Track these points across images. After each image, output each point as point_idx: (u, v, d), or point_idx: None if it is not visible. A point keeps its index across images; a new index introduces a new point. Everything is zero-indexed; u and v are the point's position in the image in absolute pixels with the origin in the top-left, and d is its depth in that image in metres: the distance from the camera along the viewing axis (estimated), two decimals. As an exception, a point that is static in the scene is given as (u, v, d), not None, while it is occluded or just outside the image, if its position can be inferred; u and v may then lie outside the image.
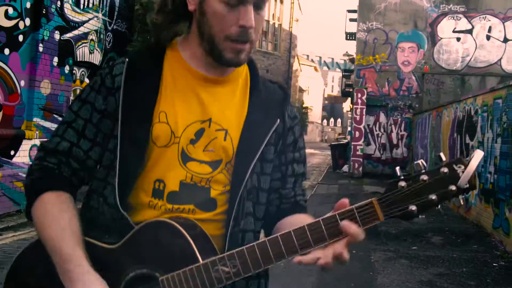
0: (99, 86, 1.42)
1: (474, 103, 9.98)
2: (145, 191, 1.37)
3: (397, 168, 1.26)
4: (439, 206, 1.21)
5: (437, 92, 18.69)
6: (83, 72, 10.68)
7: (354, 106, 18.99)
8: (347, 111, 61.30)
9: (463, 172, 1.18)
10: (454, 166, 1.20)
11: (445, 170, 1.19)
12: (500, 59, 18.55)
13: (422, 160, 1.23)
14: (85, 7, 10.24)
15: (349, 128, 25.82)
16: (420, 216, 1.22)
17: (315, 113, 68.86)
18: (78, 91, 10.57)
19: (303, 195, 1.58)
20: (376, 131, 19.36)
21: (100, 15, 10.84)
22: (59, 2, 9.25)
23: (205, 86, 1.42)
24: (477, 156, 1.19)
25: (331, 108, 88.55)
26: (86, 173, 1.43)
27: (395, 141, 19.29)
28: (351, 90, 24.38)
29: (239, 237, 1.40)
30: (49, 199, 1.34)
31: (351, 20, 25.56)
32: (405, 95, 19.17)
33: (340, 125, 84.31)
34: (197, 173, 1.38)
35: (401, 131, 19.24)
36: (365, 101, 18.73)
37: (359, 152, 18.68)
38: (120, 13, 11.69)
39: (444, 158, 1.21)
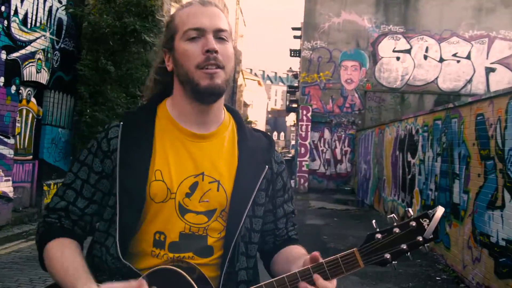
0: (96, 150, 1.56)
1: (415, 123, 10.51)
2: (147, 242, 1.51)
3: (373, 221, 1.46)
4: (408, 254, 1.43)
5: (379, 109, 19.44)
6: (29, 92, 10.48)
7: (300, 123, 19.44)
8: (290, 125, 62.23)
9: (428, 225, 1.41)
10: (421, 220, 1.42)
11: (413, 223, 1.41)
12: (436, 78, 19.56)
13: (393, 215, 1.45)
14: (33, 26, 10.08)
15: (292, 142, 26.30)
16: (393, 262, 1.43)
17: (259, 127, 69.41)
18: (25, 111, 10.36)
19: (294, 229, 1.73)
20: (321, 147, 19.87)
21: (47, 34, 10.68)
22: (5, 22, 9.08)
23: (194, 142, 1.55)
24: (439, 212, 1.41)
25: (275, 122, 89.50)
26: (87, 225, 1.57)
27: (339, 157, 19.86)
28: (295, 106, 24.92)
29: (233, 277, 1.55)
30: (51, 247, 1.49)
31: (295, 37, 26.19)
32: (349, 112, 19.82)
33: (283, 139, 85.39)
34: (194, 224, 1.52)
35: (345, 146, 19.85)
36: (310, 117, 19.22)
37: (304, 168, 19.12)
38: (67, 32, 11.56)
39: (412, 213, 1.43)
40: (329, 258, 1.40)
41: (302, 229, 10.99)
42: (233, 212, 1.53)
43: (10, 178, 9.46)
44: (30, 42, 9.99)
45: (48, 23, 10.71)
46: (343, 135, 19.83)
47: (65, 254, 1.45)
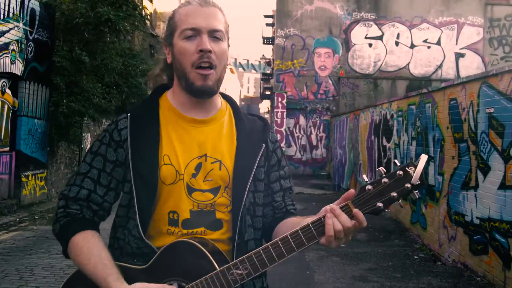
0: (109, 140, 1.69)
1: (389, 108, 10.76)
2: (162, 221, 1.65)
3: (364, 175, 1.60)
4: (399, 201, 1.55)
5: (353, 95, 19.73)
6: (4, 83, 10.36)
7: (275, 110, 19.61)
8: (264, 112, 62.38)
9: (413, 172, 1.50)
10: (407, 168, 1.51)
11: (400, 172, 1.51)
12: (408, 64, 19.93)
13: (382, 167, 1.57)
14: (5, 17, 9.94)
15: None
16: (386, 210, 1.54)
17: (233, 115, 69.33)
18: (0, 103, 10.25)
19: (293, 204, 1.84)
20: (296, 133, 20.09)
21: (20, 24, 10.54)
22: (-21, 12, 8.95)
23: (196, 127, 1.70)
24: (423, 159, 1.51)
25: (248, 109, 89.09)
26: (105, 213, 1.71)
27: (314, 143, 20.12)
28: (269, 93, 25.06)
29: (244, 247, 1.69)
30: (78, 241, 1.60)
31: (268, 24, 26.24)
32: (323, 98, 20.07)
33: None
34: (201, 201, 1.66)
35: (320, 132, 20.11)
36: (285, 104, 19.40)
37: (281, 154, 19.31)
38: (41, 22, 11.41)
39: (398, 163, 1.56)
40: (324, 213, 1.52)
41: (281, 214, 11.21)
42: (236, 187, 1.67)
43: (-12, 170, 9.39)
44: (3, 33, 9.86)
45: (21, 14, 10.57)
46: (318, 121, 20.08)
47: (92, 249, 1.57)
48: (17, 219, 9.49)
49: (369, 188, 1.51)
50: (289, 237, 1.51)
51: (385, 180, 1.51)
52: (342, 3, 20.03)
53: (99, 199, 1.66)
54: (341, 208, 1.51)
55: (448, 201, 7.08)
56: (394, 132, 10.24)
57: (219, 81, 1.67)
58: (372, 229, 9.22)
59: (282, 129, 19.38)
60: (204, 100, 1.70)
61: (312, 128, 20.14)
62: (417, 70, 19.91)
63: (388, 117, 10.83)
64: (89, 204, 1.66)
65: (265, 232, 1.79)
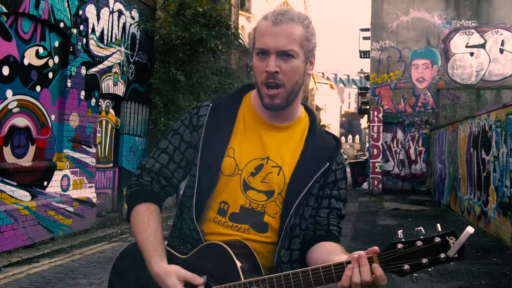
0: (188, 122, 1.83)
1: (488, 119, 10.20)
2: (213, 209, 1.76)
3: (399, 232, 1.49)
4: (430, 269, 1.42)
5: (453, 107, 18.86)
6: (108, 104, 11.17)
7: (371, 124, 19.24)
8: (365, 127, 61.31)
9: (453, 243, 1.38)
10: (447, 237, 1.39)
11: (438, 239, 1.40)
12: (514, 72, 18.72)
13: (421, 227, 1.44)
14: (109, 42, 10.75)
15: (367, 145, 26.07)
16: (414, 274, 1.43)
17: (333, 130, 68.85)
18: (104, 122, 11.05)
19: (338, 226, 1.82)
20: (394, 147, 19.55)
21: (122, 48, 11.34)
22: (84, 40, 9.77)
23: (268, 130, 1.79)
24: (467, 232, 1.37)
25: (349, 125, 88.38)
26: (171, 189, 1.86)
27: (413, 157, 19.45)
28: (367, 107, 24.63)
29: (287, 255, 1.75)
30: (140, 210, 1.76)
31: (365, 38, 25.90)
32: (421, 111, 19.39)
33: (358, 141, 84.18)
34: (254, 200, 1.74)
35: (419, 146, 19.41)
36: (382, 118, 18.98)
37: (378, 169, 18.87)
38: (141, 46, 12.21)
39: (439, 229, 1.43)
40: (348, 259, 1.47)
41: (373, 229, 10.96)
42: (289, 196, 1.73)
43: (93, 184, 10.14)
44: (107, 57, 10.67)
45: (123, 39, 11.37)
46: (417, 135, 19.41)
47: (150, 221, 1.73)
48: (119, 231, 10.12)
49: (400, 246, 1.43)
50: (309, 271, 1.50)
51: (419, 243, 1.41)
52: (440, 11, 19.32)
53: (169, 174, 1.82)
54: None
55: (549, 216, 6.57)
56: (493, 144, 9.68)
57: (290, 95, 1.72)
58: (469, 246, 8.73)
59: (379, 144, 18.96)
60: (278, 111, 1.77)
61: (410, 142, 19.49)
62: (525, 78, 18.67)
63: (487, 128, 10.26)
64: (159, 178, 1.82)
65: (302, 247, 1.80)
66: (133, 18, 11.84)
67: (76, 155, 9.54)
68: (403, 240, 1.44)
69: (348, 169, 25.90)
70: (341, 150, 1.91)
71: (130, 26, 11.70)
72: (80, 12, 9.62)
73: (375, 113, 19.06)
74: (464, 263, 7.53)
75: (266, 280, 1.55)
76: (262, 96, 1.72)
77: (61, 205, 8.97)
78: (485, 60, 18.94)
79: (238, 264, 1.61)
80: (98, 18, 10.31)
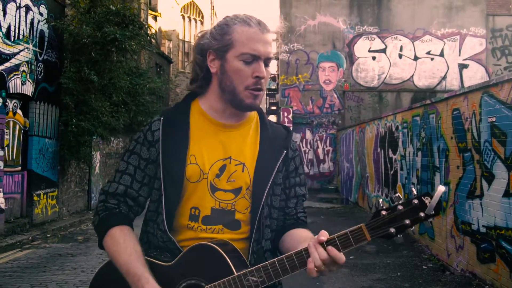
0: (143, 140, 1.85)
1: (394, 120, 10.87)
2: (184, 216, 1.78)
3: (380, 200, 1.70)
4: (412, 228, 1.62)
5: (358, 108, 19.85)
6: (15, 104, 10.57)
7: (281, 125, 19.74)
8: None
9: (429, 202, 1.56)
10: (423, 198, 1.57)
11: (416, 201, 1.56)
12: (412, 76, 20.08)
13: (399, 194, 1.65)
14: (16, 39, 10.18)
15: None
16: (398, 236, 1.59)
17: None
18: (12, 123, 10.44)
19: (304, 212, 1.95)
20: (303, 147, 20.20)
21: (30, 46, 10.78)
22: (-10, 35, 9.18)
23: (223, 131, 1.83)
24: (439, 190, 1.57)
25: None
26: (139, 208, 1.87)
27: (321, 157, 20.22)
28: (275, 108, 25.22)
29: (260, 246, 1.81)
30: (115, 233, 1.75)
31: (272, 40, 26.42)
32: (329, 112, 20.20)
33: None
34: (223, 200, 1.79)
35: (326, 146, 20.21)
36: (292, 119, 19.54)
37: (288, 169, 19.41)
38: (49, 43, 11.66)
39: (415, 192, 1.62)
40: (340, 233, 1.60)
41: (289, 227, 11.27)
42: (256, 189, 1.80)
43: (0, 189, 9.55)
44: (14, 54, 10.09)
45: (31, 36, 10.81)
46: (325, 135, 20.20)
47: (128, 241, 1.73)
48: (30, 238, 9.62)
49: (384, 213, 1.57)
50: (303, 252, 1.60)
51: (400, 207, 1.56)
52: (345, 17, 20.26)
53: (135, 194, 1.82)
54: (354, 231, 1.58)
55: (455, 210, 7.16)
56: (400, 143, 10.34)
57: (261, 98, 1.83)
58: (381, 241, 9.24)
59: (289, 144, 19.51)
60: (237, 111, 1.84)
61: (318, 142, 20.25)
62: (421, 82, 20.05)
63: (393, 129, 10.93)
64: (126, 199, 1.82)
65: (274, 235, 1.89)
66: (41, 14, 11.29)
67: (-17, 158, 8.94)
68: (385, 207, 1.59)
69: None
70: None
71: (38, 23, 11.14)
72: (-15, 6, 9.04)
73: (285, 114, 19.59)
74: (379, 256, 8.01)
75: (260, 268, 1.62)
76: (241, 98, 1.76)
77: (-33, 213, 8.38)
78: (386, 64, 20.13)
79: (229, 260, 1.64)
80: (4, 13, 9.73)
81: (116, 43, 12.06)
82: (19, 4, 10.32)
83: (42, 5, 11.32)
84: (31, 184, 10.86)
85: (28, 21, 10.68)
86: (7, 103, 10.01)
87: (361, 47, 20.19)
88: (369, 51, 20.18)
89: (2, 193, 9.60)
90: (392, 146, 11.03)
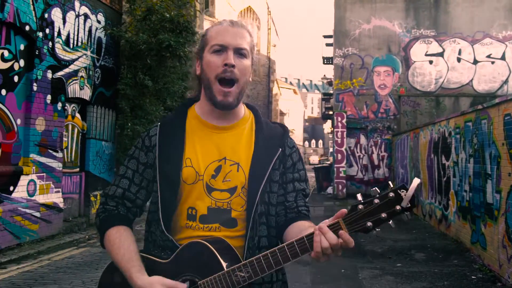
0: (141, 145, 1.95)
1: (447, 125, 10.58)
2: (182, 216, 1.87)
3: (358, 195, 1.69)
4: (390, 222, 1.61)
5: (414, 113, 19.40)
6: (74, 108, 11.06)
7: (335, 130, 19.59)
8: (328, 132, 62.06)
9: (405, 195, 1.58)
10: (398, 191, 1.59)
11: (392, 194, 1.59)
12: (471, 80, 19.41)
13: (376, 188, 1.65)
14: (75, 46, 10.67)
15: (330, 149, 26.48)
16: (376, 229, 1.61)
17: (297, 135, 69.56)
18: (70, 126, 10.94)
19: (306, 206, 1.95)
20: (357, 153, 19.94)
21: (88, 52, 11.27)
22: (50, 43, 9.67)
23: (218, 133, 1.91)
24: (414, 183, 1.58)
25: (312, 130, 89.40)
26: (137, 209, 1.97)
27: (376, 162, 19.88)
28: (331, 113, 25.04)
29: (255, 244, 1.86)
30: (111, 234, 1.87)
31: (327, 45, 26.33)
32: (383, 117, 19.85)
33: (321, 146, 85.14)
34: (219, 199, 1.86)
35: (381, 152, 19.86)
36: (345, 124, 19.36)
37: (342, 174, 19.23)
38: (107, 50, 12.14)
39: (391, 185, 1.63)
40: (318, 226, 1.64)
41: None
42: (251, 187, 1.85)
43: (60, 189, 10.03)
44: (73, 61, 10.58)
45: (89, 43, 11.30)
46: (379, 140, 19.86)
47: (123, 241, 1.83)
48: (86, 236, 10.03)
49: (360, 207, 1.60)
50: (285, 247, 1.66)
51: (376, 201, 1.59)
52: (401, 20, 19.87)
53: (132, 196, 1.92)
54: (332, 225, 1.62)
55: (506, 219, 6.89)
56: (452, 150, 10.05)
57: (240, 94, 1.87)
58: (431, 249, 9.06)
59: (343, 149, 19.32)
60: (225, 111, 1.90)
61: (373, 147, 19.93)
62: (481, 86, 19.35)
63: (446, 134, 10.64)
64: (124, 201, 1.92)
65: (278, 231, 1.93)
66: (99, 22, 11.78)
67: (43, 159, 9.43)
68: (362, 201, 1.61)
69: (312, 174, 26.24)
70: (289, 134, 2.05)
71: (96, 30, 11.63)
72: (46, 15, 9.53)
73: (339, 118, 19.43)
74: (427, 265, 7.82)
75: (247, 264, 1.68)
76: (214, 94, 1.84)
77: (27, 210, 8.85)
78: (444, 68, 19.57)
79: (219, 256, 1.72)
80: (64, 22, 10.23)
81: (170, 49, 12.39)
82: (78, 12, 10.82)
83: (100, 13, 11.80)
84: (88, 185, 11.33)
85: (87, 29, 11.18)
86: (66, 107, 10.50)
87: (418, 51, 19.72)
88: (426, 54, 19.68)
89: (61, 193, 10.07)
90: (445, 152, 10.74)
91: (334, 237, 1.59)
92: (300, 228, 1.80)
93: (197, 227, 1.84)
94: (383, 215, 1.59)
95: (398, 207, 1.58)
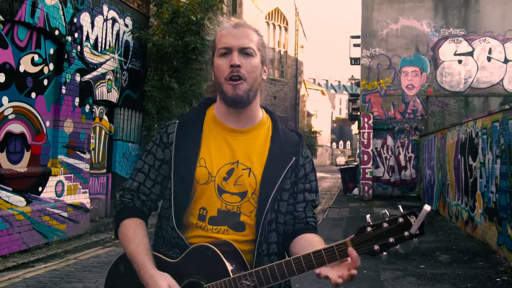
0: (159, 142, 1.98)
1: (474, 126, 10.43)
2: (193, 216, 1.91)
3: (367, 216, 1.67)
4: (398, 246, 1.61)
5: (442, 113, 19.13)
6: (101, 110, 11.30)
7: (361, 131, 19.46)
8: (356, 133, 61.57)
9: (414, 221, 1.57)
10: (408, 216, 1.58)
11: (401, 220, 1.59)
12: (502, 79, 19.04)
13: (386, 210, 1.64)
14: (103, 49, 10.89)
15: (358, 151, 26.27)
16: (383, 253, 1.62)
17: (324, 136, 69.14)
18: (98, 128, 11.17)
19: (314, 218, 1.98)
20: (384, 154, 19.77)
21: (116, 55, 11.49)
22: (79, 47, 9.91)
23: (233, 136, 1.93)
24: (424, 210, 1.57)
25: (340, 131, 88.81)
26: (152, 203, 2.01)
27: (403, 163, 19.67)
28: (358, 113, 24.87)
29: (265, 249, 1.89)
30: (126, 225, 1.91)
31: (355, 45, 26.13)
32: (411, 118, 19.64)
33: (349, 147, 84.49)
34: (229, 202, 1.89)
35: (408, 153, 19.64)
36: (372, 125, 19.21)
37: (368, 175, 19.09)
38: (134, 53, 12.36)
39: (402, 210, 1.62)
40: (327, 246, 1.67)
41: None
42: (262, 194, 1.88)
43: (87, 190, 10.26)
44: (100, 64, 10.81)
45: (116, 46, 11.52)
46: (407, 141, 19.65)
47: (136, 233, 1.88)
48: (112, 236, 10.20)
49: (369, 230, 1.60)
50: (292, 261, 1.68)
51: (385, 225, 1.59)
52: (429, 20, 19.62)
53: (147, 191, 1.96)
54: (339, 245, 1.63)
55: (532, 221, 6.77)
56: (479, 150, 9.91)
57: (251, 91, 1.88)
58: (456, 251, 8.95)
59: (369, 150, 19.18)
60: (242, 111, 1.92)
61: (400, 148, 19.73)
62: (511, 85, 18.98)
63: (473, 135, 10.49)
64: (139, 195, 1.96)
65: (284, 240, 1.96)
66: (126, 25, 12.00)
67: (70, 161, 9.66)
68: (371, 223, 1.62)
69: (338, 175, 26.10)
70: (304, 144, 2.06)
71: (123, 34, 11.85)
72: (75, 20, 9.76)
73: (365, 119, 19.30)
74: (451, 267, 7.73)
75: (253, 273, 1.71)
76: (225, 91, 1.86)
77: (55, 211, 9.08)
78: (473, 67, 19.25)
79: (226, 262, 1.75)
80: (92, 26, 10.46)
81: (196, 52, 12.54)
82: (106, 16, 11.04)
83: (127, 17, 12.02)
84: (115, 185, 11.54)
85: (114, 32, 11.40)
86: (93, 110, 10.73)
87: (446, 51, 19.44)
88: (455, 54, 19.39)
89: (88, 194, 10.30)
90: (472, 153, 10.58)
91: (344, 271, 1.63)
92: (309, 243, 1.83)
93: (206, 228, 1.88)
94: (391, 239, 1.60)
95: (406, 233, 1.58)
